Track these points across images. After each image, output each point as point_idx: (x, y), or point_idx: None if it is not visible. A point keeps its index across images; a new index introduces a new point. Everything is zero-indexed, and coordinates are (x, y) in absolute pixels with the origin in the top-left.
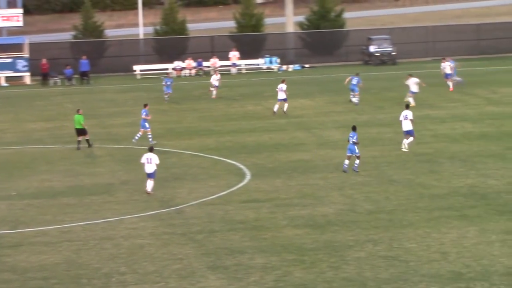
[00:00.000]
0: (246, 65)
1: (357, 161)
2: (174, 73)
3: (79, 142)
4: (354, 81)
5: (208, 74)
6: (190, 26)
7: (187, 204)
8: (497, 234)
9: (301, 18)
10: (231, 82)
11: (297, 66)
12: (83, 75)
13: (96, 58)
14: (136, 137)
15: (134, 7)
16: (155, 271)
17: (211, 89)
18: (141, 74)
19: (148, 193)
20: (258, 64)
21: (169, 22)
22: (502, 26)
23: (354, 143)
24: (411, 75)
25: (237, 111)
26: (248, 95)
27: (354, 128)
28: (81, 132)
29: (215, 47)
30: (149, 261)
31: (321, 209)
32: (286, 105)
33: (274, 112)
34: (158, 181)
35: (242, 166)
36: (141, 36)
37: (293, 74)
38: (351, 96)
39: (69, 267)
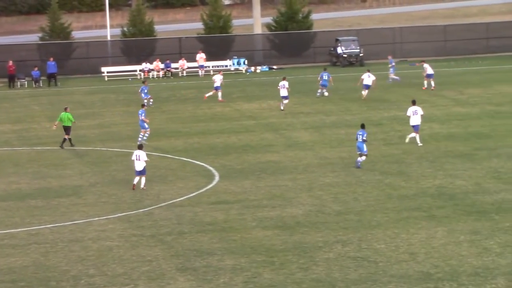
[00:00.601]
0: (214, 66)
1: (363, 158)
2: (142, 75)
3: (64, 140)
4: (325, 77)
5: (176, 76)
6: (158, 27)
7: (156, 206)
8: (465, 235)
9: (268, 20)
10: (199, 84)
11: (265, 68)
12: (51, 77)
13: (64, 60)
14: (140, 138)
15: (101, 8)
16: (124, 273)
17: (213, 92)
18: (109, 76)
19: (142, 189)
20: (226, 66)
21: (137, 23)
22: (469, 27)
23: (364, 141)
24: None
25: (205, 112)
26: (216, 96)
27: (363, 126)
28: (67, 129)
29: (183, 48)
30: (118, 263)
31: (290, 210)
32: (286, 103)
33: (281, 109)
34: (126, 183)
35: (210, 168)
36: (109, 38)
37: (261, 75)
38: (318, 92)
39: (37, 270)
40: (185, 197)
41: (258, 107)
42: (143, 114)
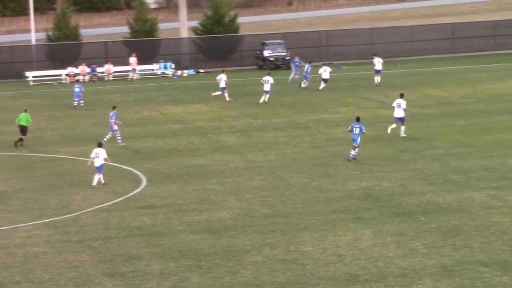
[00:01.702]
0: (140, 70)
1: (356, 151)
2: (68, 79)
3: (20, 139)
4: (305, 68)
5: (102, 80)
6: (83, 31)
7: (82, 211)
8: (392, 236)
9: (195, 23)
10: (126, 88)
11: (192, 71)
12: None
13: None
14: (105, 139)
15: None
16: (51, 279)
17: (217, 93)
18: (34, 81)
19: (103, 184)
20: (152, 70)
21: (62, 27)
22: (394, 30)
23: (361, 132)
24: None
25: (132, 117)
26: (143, 100)
27: (358, 119)
28: (24, 130)
29: (109, 52)
30: (44, 270)
31: (218, 214)
32: (267, 97)
33: (264, 102)
34: (52, 188)
35: (137, 172)
36: (33, 42)
37: (188, 79)
38: (302, 83)
39: None
40: (112, 202)
41: (185, 111)
42: (113, 117)
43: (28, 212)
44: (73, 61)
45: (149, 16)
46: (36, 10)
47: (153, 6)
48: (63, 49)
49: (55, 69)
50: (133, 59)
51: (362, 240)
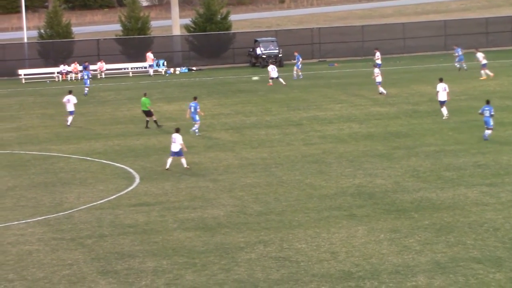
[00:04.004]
0: (133, 68)
1: (490, 132)
2: (60, 77)
3: (155, 121)
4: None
5: (94, 78)
6: (76, 29)
7: (75, 209)
8: (385, 233)
9: (187, 21)
10: (118, 86)
11: (184, 69)
12: None
13: None
14: (194, 129)
15: (17, 10)
16: (45, 277)
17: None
18: (26, 79)
19: (186, 167)
20: (145, 67)
21: (54, 25)
22: (386, 27)
23: (491, 116)
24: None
25: (125, 114)
26: (135, 98)
27: (488, 102)
28: (148, 113)
29: (101, 50)
30: (38, 267)
31: (211, 211)
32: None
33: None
34: (46, 186)
35: (131, 170)
36: (25, 40)
37: (181, 77)
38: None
39: None
40: (105, 199)
41: (178, 109)
42: (197, 107)
43: (21, 210)
44: (65, 59)
45: (141, 14)
46: (27, 8)
47: (145, 3)
48: (55, 47)
49: (47, 67)
50: (150, 55)
51: (355, 237)
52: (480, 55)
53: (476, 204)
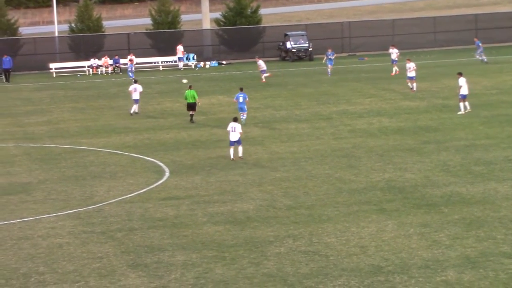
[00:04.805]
0: (163, 62)
1: None
2: (91, 71)
3: (191, 116)
4: (331, 56)
5: (124, 72)
6: (106, 23)
7: (106, 203)
8: (415, 227)
9: (217, 15)
10: (148, 79)
11: (214, 63)
12: (6, 72)
13: (11, 56)
14: (242, 119)
15: (48, 4)
16: (75, 270)
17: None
18: (57, 72)
19: (240, 158)
20: (175, 61)
21: (84, 19)
22: (416, 21)
23: None
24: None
25: (155, 108)
26: (166, 92)
27: None
28: (193, 107)
29: (132, 44)
30: (68, 260)
31: (241, 205)
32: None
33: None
34: (76, 179)
35: (160, 164)
36: (56, 34)
37: (211, 71)
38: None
39: None
40: (135, 193)
41: (208, 103)
42: (246, 97)
43: (52, 203)
44: (96, 53)
45: (172, 8)
46: (59, 2)
47: None
48: (85, 41)
49: (78, 61)
50: (180, 48)
51: (385, 231)
52: None
53: (506, 199)
